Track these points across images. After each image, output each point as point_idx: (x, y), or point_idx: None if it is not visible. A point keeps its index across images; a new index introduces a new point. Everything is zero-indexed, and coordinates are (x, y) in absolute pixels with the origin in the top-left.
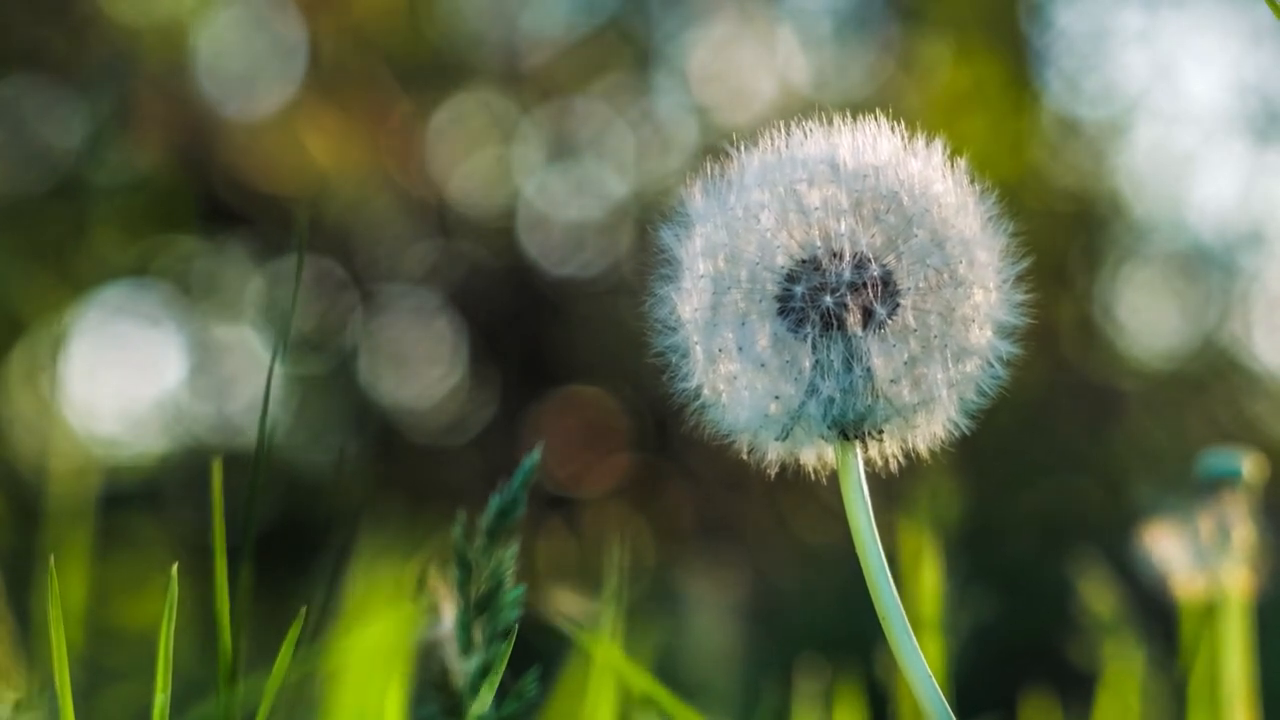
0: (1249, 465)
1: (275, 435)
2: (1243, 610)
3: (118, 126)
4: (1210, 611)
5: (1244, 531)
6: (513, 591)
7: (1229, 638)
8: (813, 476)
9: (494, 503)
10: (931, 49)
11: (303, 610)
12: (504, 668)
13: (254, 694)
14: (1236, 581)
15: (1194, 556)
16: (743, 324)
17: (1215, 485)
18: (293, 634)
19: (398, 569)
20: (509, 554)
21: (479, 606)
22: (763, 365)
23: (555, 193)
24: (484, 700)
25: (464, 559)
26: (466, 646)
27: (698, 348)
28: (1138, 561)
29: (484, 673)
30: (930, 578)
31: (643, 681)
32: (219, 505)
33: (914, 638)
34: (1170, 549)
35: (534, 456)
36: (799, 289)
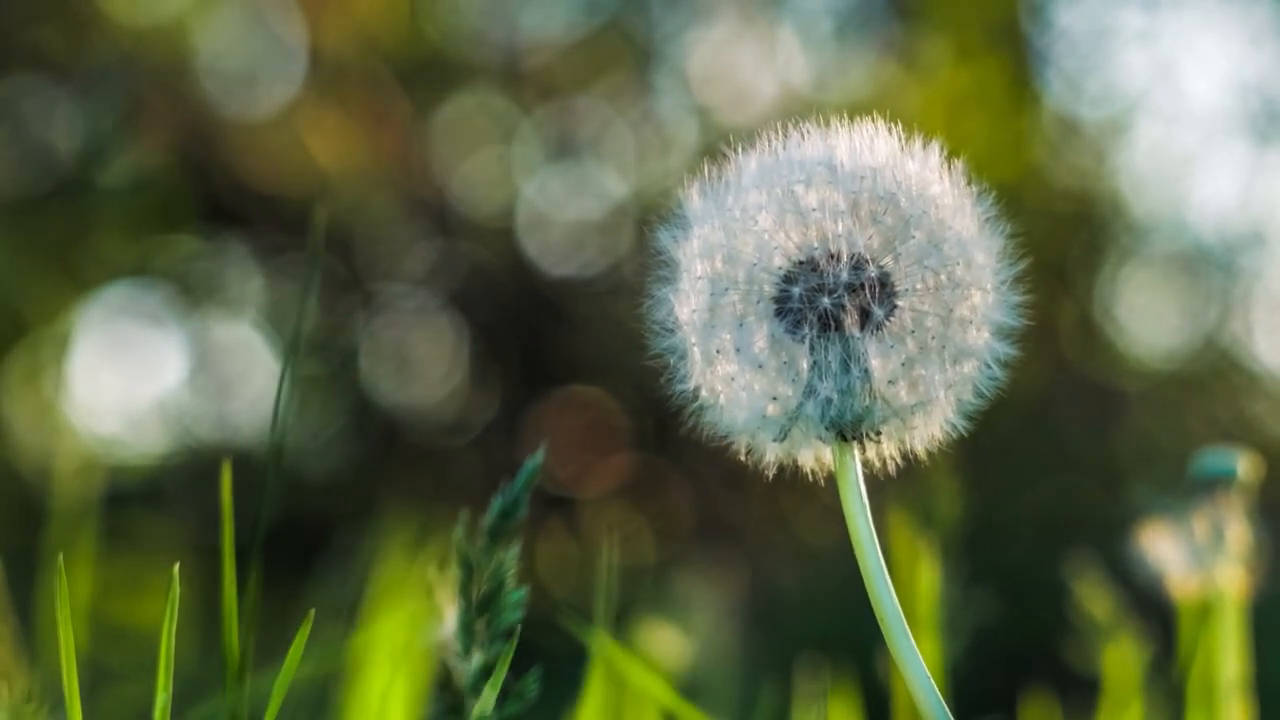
0: (1244, 465)
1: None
2: (1238, 610)
3: (119, 127)
4: (1206, 611)
5: (1239, 531)
6: (515, 593)
7: (1225, 637)
8: (812, 477)
9: (496, 504)
10: (932, 49)
11: (310, 612)
12: (506, 668)
13: (258, 693)
14: (1232, 581)
15: (1189, 556)
16: (740, 325)
17: (1210, 485)
18: (302, 634)
19: (403, 570)
20: (511, 555)
21: (480, 607)
22: (760, 366)
23: (555, 193)
24: (486, 700)
25: (466, 560)
26: (468, 647)
27: (695, 349)
28: (1134, 561)
29: (485, 673)
30: (926, 577)
31: (649, 682)
32: (228, 508)
33: (912, 638)
34: (1166, 549)
35: (537, 458)
36: (796, 290)
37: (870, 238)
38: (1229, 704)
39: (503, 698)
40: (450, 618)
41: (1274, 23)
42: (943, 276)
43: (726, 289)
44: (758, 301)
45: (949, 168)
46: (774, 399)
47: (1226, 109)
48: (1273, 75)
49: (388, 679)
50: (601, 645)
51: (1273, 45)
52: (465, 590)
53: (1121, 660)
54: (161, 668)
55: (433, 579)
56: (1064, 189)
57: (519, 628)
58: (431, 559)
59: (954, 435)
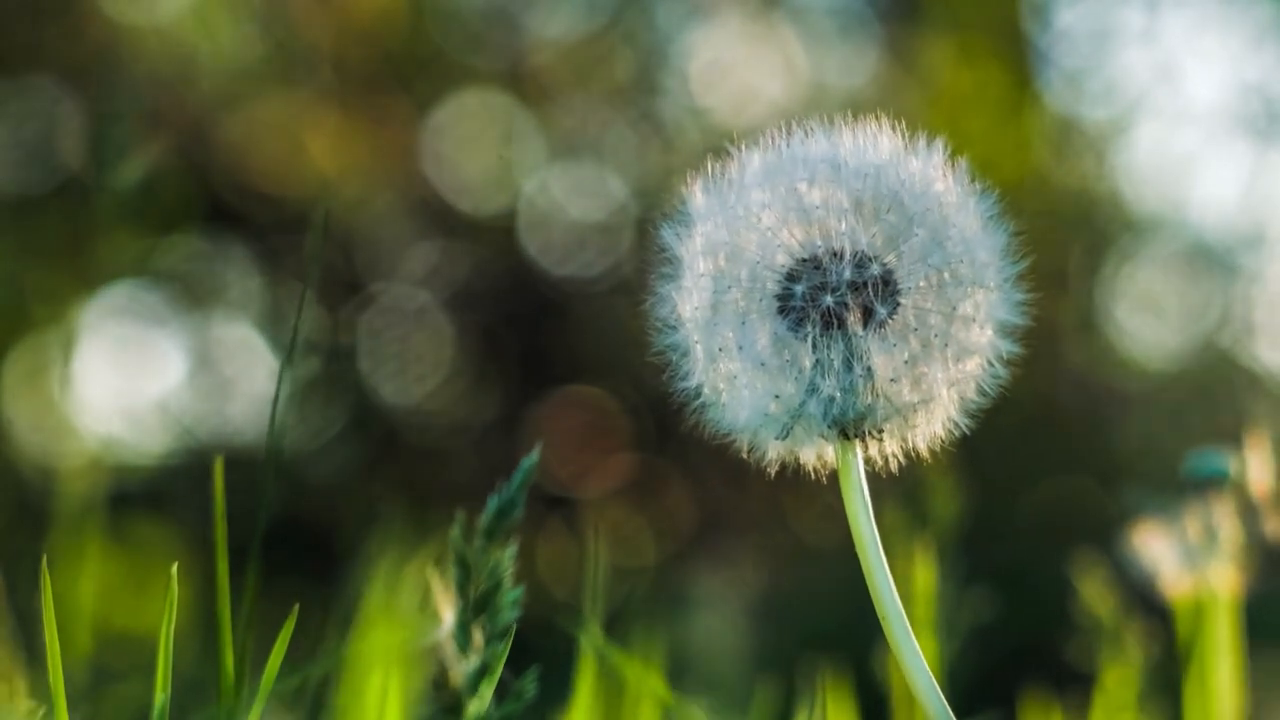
0: (1236, 464)
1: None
2: (1232, 609)
3: (121, 127)
4: (1200, 611)
5: (1232, 531)
6: (511, 592)
7: (1219, 637)
8: (813, 475)
9: (492, 503)
10: (933, 50)
11: (294, 612)
12: (502, 667)
13: (250, 696)
14: (1225, 581)
15: (1183, 556)
16: (743, 323)
17: (1203, 485)
18: (284, 634)
19: (401, 571)
20: (508, 554)
21: (478, 607)
22: (763, 364)
23: (555, 193)
24: (483, 700)
25: (462, 559)
26: (465, 647)
27: (698, 346)
28: (1127, 561)
29: (483, 673)
30: (924, 576)
31: (644, 677)
32: (221, 506)
33: (914, 636)
34: (1159, 549)
35: (533, 457)
36: (799, 288)
37: (873, 235)
38: (1223, 703)
39: (501, 697)
40: (448, 617)
41: (1274, 23)
42: (946, 274)
43: (729, 286)
44: (760, 299)
45: (952, 166)
46: (776, 397)
47: (1226, 109)
48: (1273, 75)
49: (383, 679)
50: (593, 643)
51: (1273, 45)
52: (462, 590)
53: (1119, 658)
54: (160, 669)
55: (430, 578)
56: (1065, 189)
57: (514, 626)
58: (429, 559)
59: (956, 433)
